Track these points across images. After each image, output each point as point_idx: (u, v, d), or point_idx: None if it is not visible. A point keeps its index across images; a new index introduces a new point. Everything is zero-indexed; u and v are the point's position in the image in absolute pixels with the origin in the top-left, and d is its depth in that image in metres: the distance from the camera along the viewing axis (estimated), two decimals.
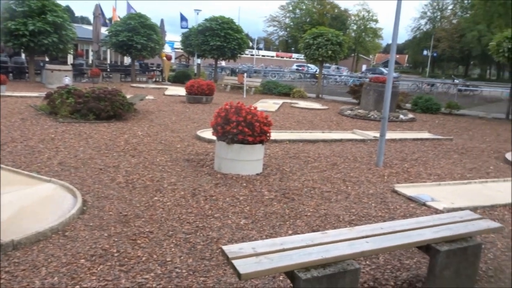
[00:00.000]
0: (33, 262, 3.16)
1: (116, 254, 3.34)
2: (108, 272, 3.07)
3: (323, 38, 18.31)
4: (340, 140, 8.93)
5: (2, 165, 5.42)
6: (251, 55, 54.89)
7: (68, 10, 21.84)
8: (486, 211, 4.95)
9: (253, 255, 2.50)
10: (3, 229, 3.58)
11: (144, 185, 5.12)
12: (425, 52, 69.13)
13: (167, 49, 30.68)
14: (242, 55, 23.17)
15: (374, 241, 2.82)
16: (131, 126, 9.04)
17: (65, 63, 21.39)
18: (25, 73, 19.28)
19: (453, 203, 5.07)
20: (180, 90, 16.96)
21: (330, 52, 18.26)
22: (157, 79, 24.00)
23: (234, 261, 2.42)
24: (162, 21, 26.32)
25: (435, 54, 68.20)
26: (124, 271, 3.10)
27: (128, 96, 10.78)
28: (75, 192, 4.56)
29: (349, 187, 5.58)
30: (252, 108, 6.00)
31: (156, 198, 4.71)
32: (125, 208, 4.34)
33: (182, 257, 3.36)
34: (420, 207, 4.99)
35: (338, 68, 45.86)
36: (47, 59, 20.92)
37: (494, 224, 3.36)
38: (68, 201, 4.38)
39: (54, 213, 4.05)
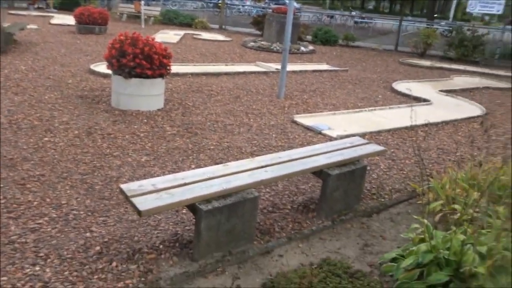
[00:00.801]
0: None
1: (2, 201, 3.07)
2: None
3: None
4: (243, 73, 8.94)
5: None
6: None
7: None
8: (373, 136, 5.47)
9: (154, 191, 2.48)
10: None
11: (32, 126, 4.66)
12: None
13: None
14: None
15: (273, 169, 2.96)
16: (11, 60, 7.97)
17: None
18: None
19: (345, 131, 5.48)
20: (68, 19, 15.18)
21: None
22: (40, 6, 21.11)
23: (133, 199, 2.37)
24: None
25: None
26: (13, 217, 2.88)
27: (5, 25, 9.38)
28: None
29: (252, 119, 5.70)
30: (150, 39, 5.64)
31: (46, 139, 4.34)
32: (10, 151, 3.94)
33: (79, 199, 3.21)
34: (317, 135, 5.33)
35: None
36: None
37: (379, 148, 3.72)
38: None
39: None
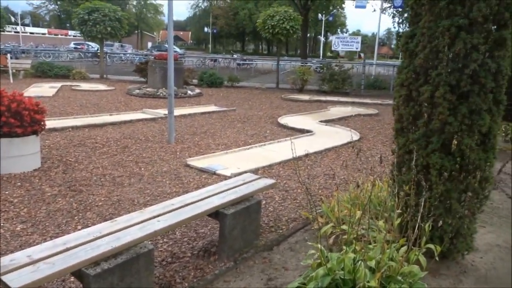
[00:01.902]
0: None
1: None
2: None
3: (99, 13, 17.07)
4: (130, 121, 8.66)
5: None
6: (16, 32, 47.21)
7: None
8: (266, 170, 5.65)
9: (29, 263, 2.18)
10: None
11: None
12: (206, 29, 73.06)
13: None
14: (2, 32, 19.61)
15: (166, 218, 2.84)
16: None
17: None
18: None
19: (239, 168, 5.58)
20: None
21: (109, 28, 17.23)
22: None
23: (5, 277, 2.06)
24: None
25: (215, 31, 72.82)
26: None
27: None
28: None
29: (143, 168, 5.49)
30: (17, 94, 5.16)
31: None
32: None
33: None
34: (211, 176, 5.32)
35: (122, 45, 44.07)
36: None
37: (270, 181, 3.84)
38: None
39: None
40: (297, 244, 3.52)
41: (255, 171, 5.40)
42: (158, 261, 3.10)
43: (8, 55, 15.80)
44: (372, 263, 2.39)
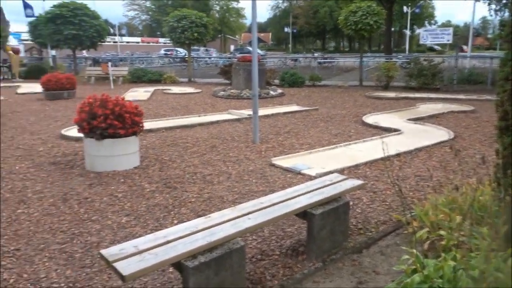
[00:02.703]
0: None
1: None
2: None
3: (187, 20, 18.05)
4: (217, 122, 9.02)
5: None
6: (114, 42, 51.64)
7: None
8: (351, 170, 5.53)
9: (136, 253, 2.39)
10: None
11: (4, 199, 4.49)
12: (286, 29, 73.41)
13: (13, 42, 27.04)
14: (103, 43, 21.63)
15: (256, 216, 2.92)
16: None
17: None
18: None
19: (323, 168, 5.53)
20: (35, 87, 15.16)
21: (196, 34, 18.12)
22: (6, 76, 21.07)
23: (115, 264, 2.28)
24: (0, 9, 22.99)
25: (295, 31, 72.88)
26: None
27: None
28: None
29: (230, 167, 5.69)
30: (120, 98, 5.66)
31: (20, 210, 4.18)
32: None
33: (58, 270, 3.06)
34: (296, 176, 5.34)
35: (207, 50, 46.03)
36: None
37: (358, 182, 3.75)
38: None
39: None
40: (388, 248, 3.40)
41: (340, 171, 5.31)
42: (248, 257, 3.20)
43: (109, 63, 17.37)
44: (476, 273, 2.23)
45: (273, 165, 5.78)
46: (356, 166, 5.70)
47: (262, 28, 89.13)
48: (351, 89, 15.88)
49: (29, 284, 2.88)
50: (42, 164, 5.84)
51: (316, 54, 31.62)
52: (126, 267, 2.24)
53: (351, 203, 4.20)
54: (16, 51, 21.06)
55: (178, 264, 2.45)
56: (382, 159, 5.84)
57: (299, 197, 3.31)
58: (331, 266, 3.13)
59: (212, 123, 8.94)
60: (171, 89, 15.52)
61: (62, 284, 2.88)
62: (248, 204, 3.16)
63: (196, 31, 18.08)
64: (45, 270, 3.07)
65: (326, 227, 3.26)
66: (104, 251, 2.39)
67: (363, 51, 19.99)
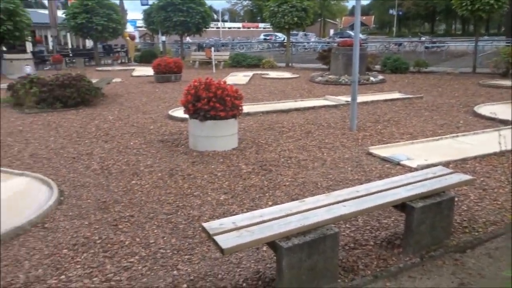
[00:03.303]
0: (15, 257, 3.11)
1: (98, 241, 3.32)
2: (92, 260, 3.05)
3: (287, 5, 18.06)
4: (313, 108, 8.98)
5: None
6: (217, 28, 53.80)
7: None
8: (458, 164, 5.13)
9: (234, 229, 2.53)
10: None
11: (120, 170, 5.05)
12: (391, 11, 69.38)
13: (129, 29, 29.72)
14: (207, 29, 22.66)
15: (351, 204, 2.89)
16: (100, 111, 8.82)
17: (24, 51, 20.42)
18: None
19: (426, 160, 5.22)
20: (147, 70, 16.55)
21: (296, 19, 18.07)
22: (123, 61, 23.32)
23: (216, 237, 2.44)
24: None
25: (400, 13, 68.51)
26: (108, 256, 3.09)
27: (94, 81, 10.47)
28: (50, 183, 4.47)
29: (325, 154, 5.66)
30: (222, 82, 5.93)
31: (133, 182, 4.67)
32: (103, 194, 4.29)
33: (165, 238, 3.37)
34: (395, 167, 5.12)
35: (305, 34, 45.59)
36: (4, 49, 19.93)
37: (466, 177, 3.48)
38: (44, 193, 4.29)
39: (30, 206, 3.96)
40: (497, 251, 3.12)
41: (445, 164, 4.95)
42: (341, 245, 3.18)
43: (212, 49, 18.21)
44: None
45: (370, 153, 5.61)
46: (464, 160, 5.27)
47: (364, 11, 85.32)
48: (462, 76, 14.56)
49: (140, 247, 3.23)
50: (152, 141, 6.41)
51: (423, 38, 29.42)
52: (225, 241, 2.39)
53: (456, 199, 3.92)
54: (132, 37, 23.15)
55: (272, 244, 2.55)
56: (495, 154, 5.31)
57: (398, 188, 3.18)
58: (430, 263, 2.98)
59: (308, 108, 8.92)
60: (269, 74, 15.78)
61: (168, 251, 3.17)
62: (343, 192, 3.14)
63: (296, 16, 18.03)
64: (154, 236, 3.41)
65: (426, 222, 3.10)
66: (205, 225, 2.57)
67: (479, 34, 18.09)
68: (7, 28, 16.38)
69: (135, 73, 16.85)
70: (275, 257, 2.87)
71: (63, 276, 2.86)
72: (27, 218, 3.66)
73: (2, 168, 5.04)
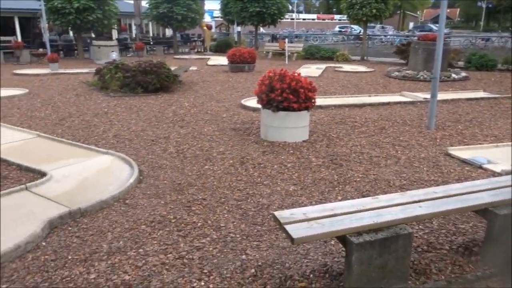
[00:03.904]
0: (99, 228, 3.40)
1: (173, 220, 3.52)
2: (168, 237, 3.25)
3: None
4: (388, 103, 8.66)
5: (63, 139, 5.78)
6: (291, 19, 53.46)
7: None
8: None
9: (305, 220, 2.55)
10: (71, 198, 3.86)
11: (194, 155, 5.29)
12: (479, 4, 64.23)
13: (207, 19, 30.61)
14: (282, 20, 22.65)
15: (428, 205, 2.78)
16: (177, 98, 9.24)
17: (110, 38, 21.95)
18: (74, 50, 20.04)
19: None
20: (222, 60, 16.98)
21: (374, 10, 17.42)
22: (199, 50, 24.14)
23: (286, 226, 2.48)
24: None
25: (490, 5, 63.11)
26: (182, 236, 3.27)
27: (172, 68, 10.97)
28: (131, 162, 4.80)
29: (399, 152, 5.46)
30: (296, 74, 5.93)
31: (206, 167, 4.86)
32: (178, 176, 4.53)
33: (235, 223, 3.49)
34: (475, 170, 4.81)
35: (383, 27, 43.81)
36: (93, 36, 21.56)
37: None
38: (126, 171, 4.63)
39: (114, 183, 4.30)
40: None
41: None
42: (413, 246, 3.07)
43: (286, 40, 18.20)
44: None
45: (449, 154, 5.31)
46: None
47: (449, 3, 79.96)
48: None
49: (212, 230, 3.37)
50: (225, 129, 6.61)
51: None
52: (295, 231, 2.42)
53: None
54: (209, 27, 23.86)
55: (342, 238, 2.53)
56: None
57: (480, 192, 2.99)
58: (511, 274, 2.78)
59: (383, 104, 8.62)
60: (342, 67, 15.45)
61: (237, 236, 3.28)
62: (419, 192, 3.02)
63: (375, 7, 17.38)
64: (224, 220, 3.54)
65: (510, 230, 2.88)
66: (277, 213, 2.62)
67: None
68: (96, 16, 17.67)
69: (210, 62, 17.37)
70: (343, 252, 2.86)
71: (141, 250, 3.08)
72: (110, 193, 3.97)
73: (90, 146, 5.51)
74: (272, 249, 3.09)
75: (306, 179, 4.48)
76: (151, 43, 23.59)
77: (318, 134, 6.25)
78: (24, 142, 5.76)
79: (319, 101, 8.13)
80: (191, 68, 14.18)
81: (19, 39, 20.59)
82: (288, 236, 2.42)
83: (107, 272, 2.78)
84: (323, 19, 66.69)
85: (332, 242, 3.15)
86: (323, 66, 15.76)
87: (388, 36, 31.52)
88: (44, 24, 17.24)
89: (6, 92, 9.79)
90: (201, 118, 7.31)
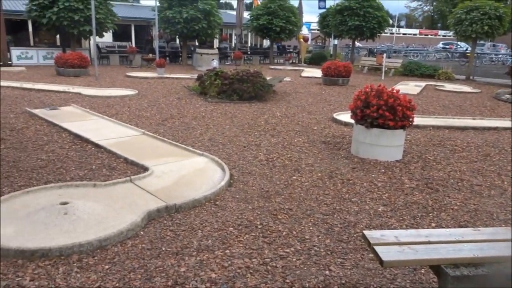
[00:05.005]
0: (191, 224, 3.61)
1: (259, 226, 3.61)
2: (253, 242, 3.34)
3: (478, 12, 16.19)
4: (495, 128, 7.93)
5: (165, 138, 6.25)
6: (391, 33, 51.67)
7: None
8: None
9: (396, 243, 2.45)
10: (168, 193, 4.16)
11: (283, 164, 5.36)
12: None
13: (304, 31, 30.89)
14: (381, 34, 22.00)
15: None
16: (270, 107, 9.46)
17: (211, 47, 23.23)
18: (179, 56, 21.57)
19: None
20: (315, 72, 17.00)
21: (486, 27, 16.08)
22: (294, 61, 24.43)
23: (376, 247, 2.41)
24: (300, 2, 26.50)
25: None
26: (267, 242, 3.34)
27: (267, 78, 11.26)
28: (223, 166, 5.03)
29: (506, 182, 4.97)
30: (395, 91, 5.72)
31: (294, 177, 4.90)
32: (266, 184, 4.63)
33: (320, 237, 3.47)
34: None
35: (494, 45, 40.25)
36: (196, 44, 22.98)
37: None
38: (218, 173, 4.85)
39: (206, 183, 4.54)
40: None
41: None
42: None
43: (384, 55, 17.63)
44: None
45: None
46: None
47: None
48: None
49: (296, 241, 3.39)
50: (315, 141, 6.60)
51: None
52: (385, 253, 2.34)
53: None
54: (305, 39, 24.06)
55: (436, 268, 2.38)
56: None
57: None
58: None
59: (489, 128, 7.92)
60: (444, 86, 14.50)
61: (322, 250, 3.26)
62: None
63: (487, 24, 16.04)
64: (309, 233, 3.54)
65: None
66: (366, 232, 2.56)
67: None
68: (202, 26, 18.84)
69: (304, 74, 17.48)
70: (434, 283, 2.69)
71: (227, 251, 3.20)
72: (203, 193, 4.20)
73: (188, 147, 5.88)
74: (357, 268, 3.01)
75: (397, 201, 4.29)
76: (248, 52, 24.46)
77: (413, 155, 5.94)
78: (131, 138, 6.34)
79: (416, 120, 7.74)
80: (285, 79, 14.41)
81: (133, 44, 22.74)
82: (377, 257, 2.34)
83: (196, 267, 2.95)
84: (426, 35, 63.33)
85: (423, 271, 2.97)
86: (422, 84, 14.96)
87: (500, 55, 28.89)
88: (155, 32, 18.84)
89: (119, 91, 10.89)
90: (292, 129, 7.39)
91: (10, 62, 16.58)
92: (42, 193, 4.06)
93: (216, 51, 19.33)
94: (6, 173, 4.65)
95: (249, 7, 35.63)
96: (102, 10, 16.77)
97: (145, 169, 4.89)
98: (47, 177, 4.61)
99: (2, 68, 14.83)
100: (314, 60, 22.79)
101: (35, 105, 8.74)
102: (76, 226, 3.37)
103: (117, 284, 2.72)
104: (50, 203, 3.74)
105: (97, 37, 14.43)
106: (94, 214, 3.59)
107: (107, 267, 2.92)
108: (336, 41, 24.34)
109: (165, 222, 3.65)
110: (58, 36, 20.61)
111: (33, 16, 16.43)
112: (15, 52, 17.32)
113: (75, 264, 2.92)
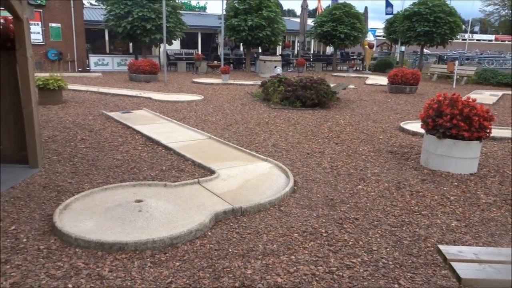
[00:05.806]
0: (256, 228, 3.66)
1: (324, 234, 3.57)
2: (318, 250, 3.31)
3: None
4: None
5: (230, 143, 6.41)
6: (463, 39, 48.81)
7: (279, 4, 23.67)
8: None
9: (475, 261, 2.32)
10: (234, 197, 4.26)
11: (348, 173, 5.26)
12: None
13: (369, 37, 30.18)
14: (452, 40, 20.90)
15: None
16: (333, 114, 9.34)
17: (274, 54, 23.44)
18: (243, 63, 22.00)
19: None
20: (381, 79, 16.52)
21: None
22: (358, 68, 23.92)
23: (453, 263, 2.29)
24: (366, 8, 25.98)
25: None
26: (333, 251, 3.29)
27: (331, 85, 11.13)
28: (287, 172, 5.04)
29: None
30: (470, 100, 5.41)
31: (360, 186, 4.79)
32: (331, 192, 4.57)
33: (388, 249, 3.36)
34: None
35: None
36: (260, 51, 23.32)
37: None
38: (282, 179, 4.88)
39: (270, 188, 4.58)
40: None
41: None
42: None
43: (456, 62, 16.73)
44: None
45: None
46: None
47: None
48: None
49: (363, 251, 3.31)
50: (381, 150, 6.41)
51: None
52: (463, 270, 2.22)
53: None
54: (371, 46, 23.47)
55: None
56: None
57: None
58: None
59: None
60: None
61: (390, 263, 3.15)
62: None
63: None
64: (377, 244, 3.44)
65: None
66: (442, 247, 2.44)
67: None
68: (266, 33, 19.09)
69: (368, 81, 17.07)
70: None
71: (293, 257, 3.21)
72: (268, 198, 4.24)
73: (252, 152, 5.97)
74: (428, 284, 2.87)
75: (472, 216, 4.04)
76: (311, 59, 24.35)
77: (490, 169, 5.57)
78: (198, 141, 6.57)
79: (493, 131, 7.27)
80: (349, 86, 14.16)
81: (199, 52, 23.58)
82: (454, 274, 2.23)
83: (262, 271, 2.98)
84: (503, 40, 59.12)
85: None
86: (499, 93, 13.98)
87: None
88: (221, 40, 19.40)
89: (186, 97, 11.34)
90: (356, 137, 7.24)
91: (88, 68, 17.94)
92: (118, 190, 4.33)
93: (279, 58, 19.47)
94: (86, 171, 5.02)
95: (312, 14, 35.58)
96: (172, 19, 17.60)
97: (212, 172, 5.04)
98: (122, 175, 4.91)
99: (82, 74, 16.06)
100: (379, 67, 22.17)
101: (111, 108, 9.36)
102: (149, 223, 3.55)
103: (187, 281, 2.82)
104: (126, 200, 3.98)
105: (166, 45, 15.15)
106: (165, 212, 3.76)
107: (177, 264, 3.04)
108: (403, 48, 23.51)
109: (231, 224, 3.73)
110: (131, 44, 21.94)
111: (110, 26, 17.64)
112: (92, 59, 18.68)
113: (148, 259, 3.08)
